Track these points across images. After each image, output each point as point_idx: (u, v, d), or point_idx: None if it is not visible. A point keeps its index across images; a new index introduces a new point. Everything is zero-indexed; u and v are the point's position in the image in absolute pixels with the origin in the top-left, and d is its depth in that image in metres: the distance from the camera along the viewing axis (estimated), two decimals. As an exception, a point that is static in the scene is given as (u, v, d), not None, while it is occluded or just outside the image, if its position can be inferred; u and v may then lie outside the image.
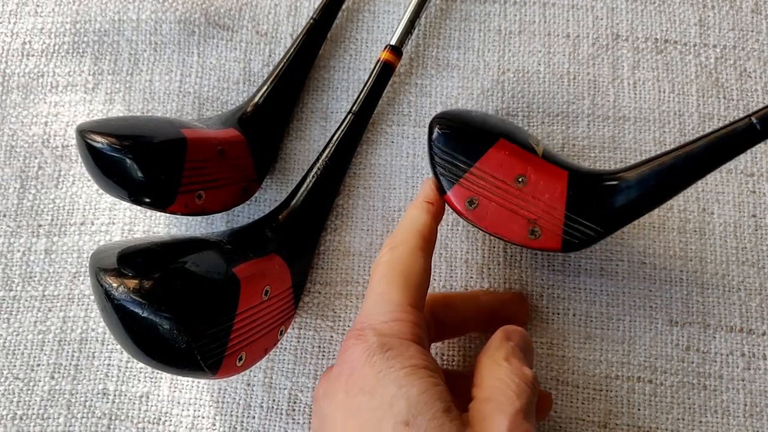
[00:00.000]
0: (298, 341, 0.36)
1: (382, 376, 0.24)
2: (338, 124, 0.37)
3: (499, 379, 0.26)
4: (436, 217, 0.31)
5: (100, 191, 0.38)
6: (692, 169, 0.28)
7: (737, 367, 0.35)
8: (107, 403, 0.36)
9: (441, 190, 0.31)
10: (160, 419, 0.35)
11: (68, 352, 0.37)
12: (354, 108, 0.37)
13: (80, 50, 0.42)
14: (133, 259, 0.27)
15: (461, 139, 0.31)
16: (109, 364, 0.36)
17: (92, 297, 0.37)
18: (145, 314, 0.25)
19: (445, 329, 0.33)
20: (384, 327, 0.26)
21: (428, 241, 0.30)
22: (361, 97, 0.37)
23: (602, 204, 0.29)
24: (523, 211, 0.30)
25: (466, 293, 0.36)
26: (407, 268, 0.28)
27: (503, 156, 0.31)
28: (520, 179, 0.30)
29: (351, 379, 0.25)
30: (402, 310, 0.27)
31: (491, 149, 0.31)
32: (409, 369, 0.24)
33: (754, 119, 0.27)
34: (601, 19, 0.41)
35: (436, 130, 0.31)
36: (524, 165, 0.31)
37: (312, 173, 0.36)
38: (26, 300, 0.38)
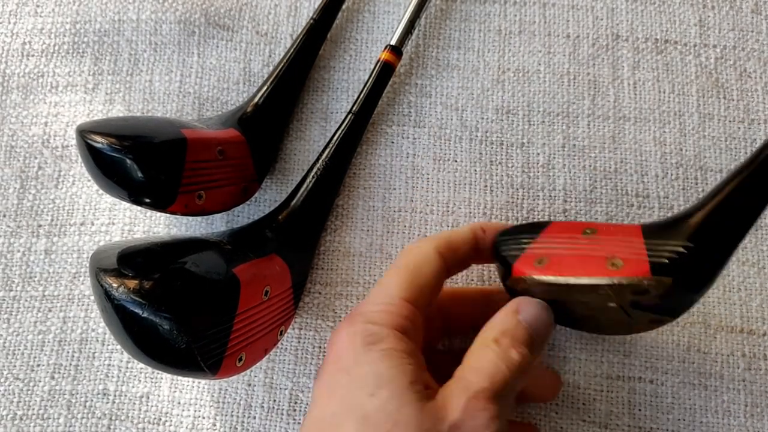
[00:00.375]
0: (299, 341, 0.36)
1: (359, 357, 0.26)
2: (338, 124, 0.37)
3: (477, 358, 0.26)
4: (477, 238, 0.30)
5: (100, 191, 0.38)
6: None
7: (738, 368, 0.35)
8: (107, 403, 0.36)
9: (507, 272, 0.28)
10: (160, 419, 0.35)
11: (68, 352, 0.37)
12: (354, 108, 0.37)
13: (80, 50, 0.42)
14: (133, 259, 0.27)
15: (521, 227, 0.31)
16: (109, 365, 0.36)
17: (92, 297, 0.37)
18: (145, 314, 0.25)
19: (452, 325, 0.33)
20: (372, 315, 0.27)
21: (451, 250, 0.29)
22: (361, 97, 0.37)
23: (683, 223, 0.25)
24: (597, 252, 0.26)
25: (479, 288, 0.35)
26: (418, 268, 0.29)
27: (565, 224, 0.30)
28: (587, 231, 0.28)
29: (335, 360, 0.27)
30: (393, 302, 0.27)
31: (551, 224, 0.30)
32: (385, 351, 0.26)
33: None
34: (601, 19, 0.41)
35: (497, 233, 0.31)
36: (590, 223, 0.29)
37: (312, 173, 0.36)
38: (26, 300, 0.38)
